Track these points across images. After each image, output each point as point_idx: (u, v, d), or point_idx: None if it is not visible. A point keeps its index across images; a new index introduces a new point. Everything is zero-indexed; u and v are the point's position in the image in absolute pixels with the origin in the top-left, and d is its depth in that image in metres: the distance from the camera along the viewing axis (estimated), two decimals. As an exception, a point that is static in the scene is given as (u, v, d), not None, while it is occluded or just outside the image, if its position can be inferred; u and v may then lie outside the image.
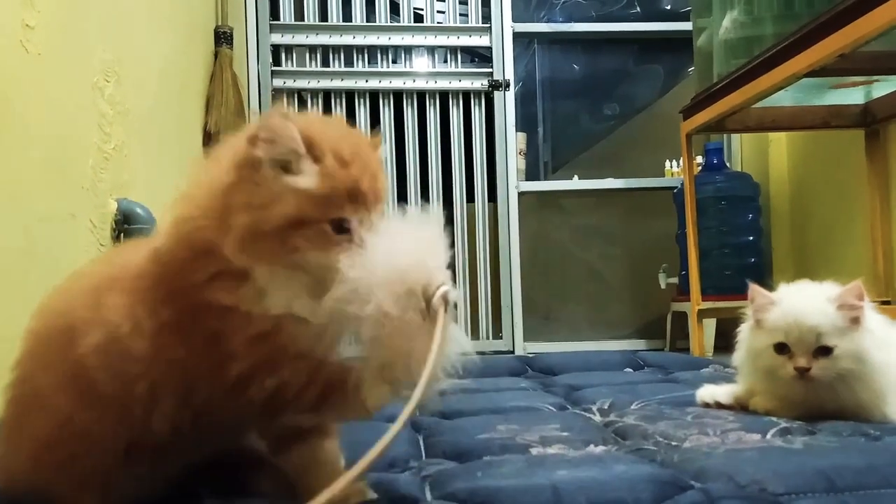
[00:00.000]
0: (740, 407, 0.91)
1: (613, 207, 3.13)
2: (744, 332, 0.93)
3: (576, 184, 3.07)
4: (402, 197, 2.87)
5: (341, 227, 0.56)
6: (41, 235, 1.19)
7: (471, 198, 2.94)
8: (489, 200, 2.95)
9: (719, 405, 0.91)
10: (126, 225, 1.45)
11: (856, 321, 0.84)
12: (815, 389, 0.85)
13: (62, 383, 0.59)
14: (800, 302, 0.86)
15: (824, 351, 0.83)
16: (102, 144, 1.41)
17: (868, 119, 2.33)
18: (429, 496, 0.63)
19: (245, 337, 0.55)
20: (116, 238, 1.45)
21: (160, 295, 0.58)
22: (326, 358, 0.57)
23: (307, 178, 0.55)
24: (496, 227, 2.94)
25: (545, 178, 3.31)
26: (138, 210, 1.48)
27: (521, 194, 2.96)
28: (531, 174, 3.18)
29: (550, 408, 0.90)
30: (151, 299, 0.58)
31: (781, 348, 0.85)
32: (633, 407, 0.89)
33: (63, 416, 0.58)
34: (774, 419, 0.82)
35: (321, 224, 0.55)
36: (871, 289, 2.40)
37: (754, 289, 0.90)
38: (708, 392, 0.93)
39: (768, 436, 0.77)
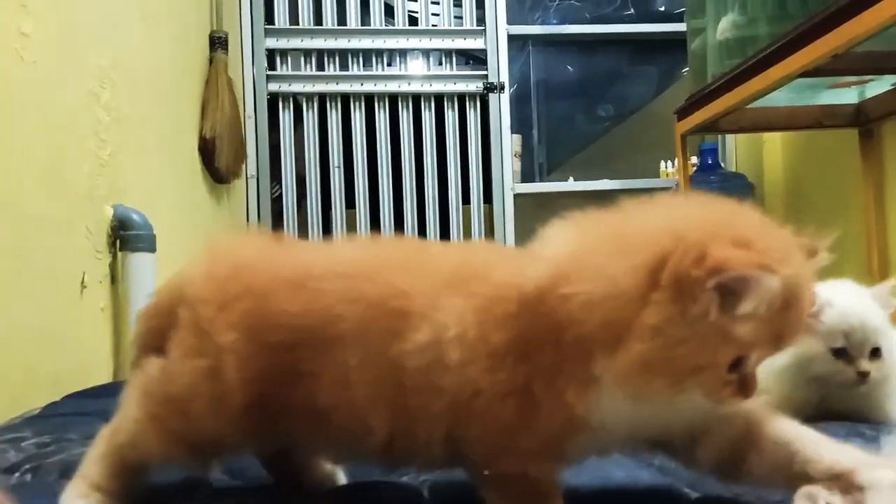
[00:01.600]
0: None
1: (609, 207, 3.13)
2: None
3: (571, 185, 3.07)
4: (397, 199, 2.88)
5: (736, 365, 0.46)
6: (36, 242, 1.19)
7: (466, 199, 2.95)
8: (484, 202, 2.97)
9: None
10: (122, 231, 1.46)
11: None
12: (867, 393, 0.83)
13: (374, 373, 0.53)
14: (856, 303, 0.83)
15: (875, 352, 0.82)
16: (98, 151, 1.41)
17: (862, 118, 2.34)
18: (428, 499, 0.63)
19: (526, 417, 0.48)
20: (112, 244, 1.46)
21: (503, 320, 0.50)
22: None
23: (748, 327, 0.44)
24: (492, 228, 2.95)
25: (541, 180, 3.32)
26: (134, 216, 1.48)
27: (516, 196, 2.97)
28: (527, 176, 3.19)
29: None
30: (491, 312, 0.50)
31: (839, 352, 0.83)
32: (630, 409, 0.90)
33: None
34: (771, 421, 0.82)
35: (722, 367, 0.46)
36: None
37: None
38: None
39: (765, 438, 0.78)
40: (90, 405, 1.08)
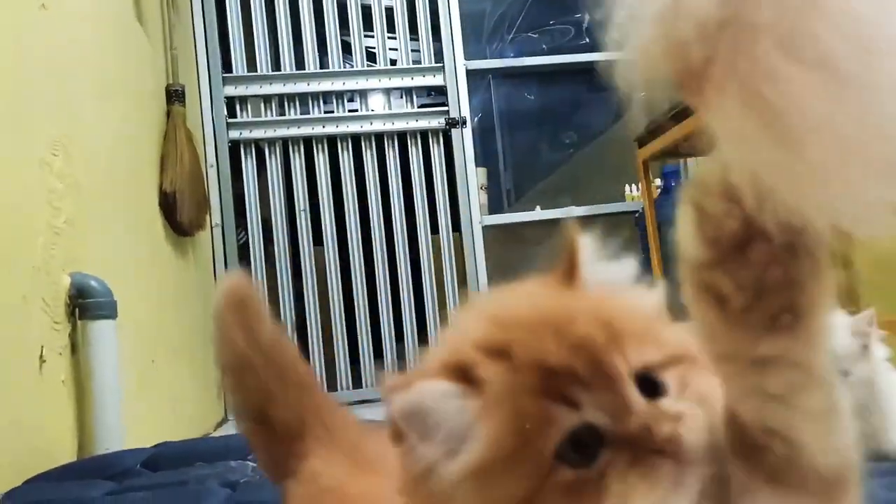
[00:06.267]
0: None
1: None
2: None
3: (538, 214, 3.09)
4: (365, 236, 2.86)
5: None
6: (-9, 321, 1.15)
7: (435, 230, 2.95)
8: (453, 230, 2.97)
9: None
10: (81, 300, 1.41)
11: (866, 348, 0.84)
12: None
13: None
14: None
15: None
16: (53, 220, 1.38)
17: (816, 136, 2.39)
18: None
19: None
20: (71, 314, 1.41)
21: None
22: None
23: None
24: (463, 258, 2.94)
25: (508, 207, 3.33)
26: (93, 283, 1.44)
27: (485, 228, 2.97)
28: (494, 205, 3.20)
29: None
30: None
31: None
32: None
33: None
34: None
35: None
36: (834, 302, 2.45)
37: None
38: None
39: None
40: (53, 491, 1.04)
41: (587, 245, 0.38)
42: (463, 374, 0.32)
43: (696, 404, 0.31)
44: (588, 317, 0.33)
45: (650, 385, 0.32)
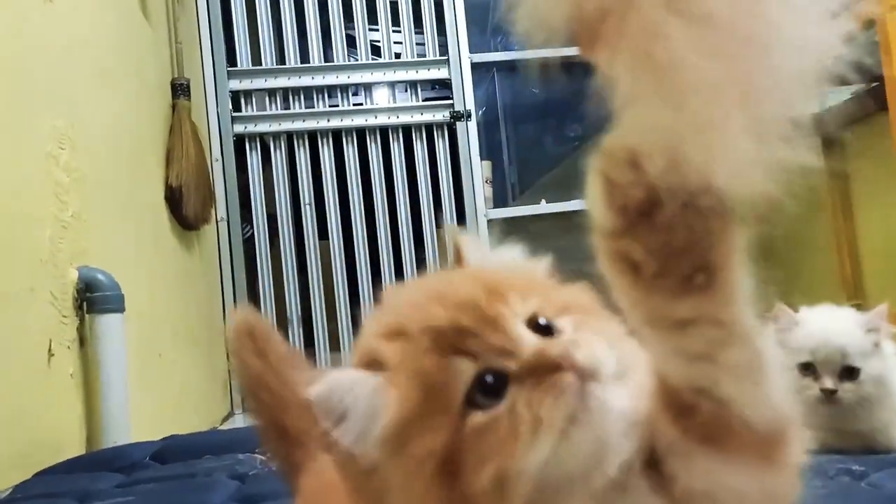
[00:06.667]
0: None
1: (583, 228, 3.14)
2: None
3: (544, 208, 3.08)
4: (371, 229, 2.86)
5: None
6: (-1, 314, 1.15)
7: (440, 225, 2.95)
8: (458, 224, 2.96)
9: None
10: (88, 293, 1.42)
11: (877, 345, 0.84)
12: (840, 414, 0.83)
13: None
14: (827, 323, 0.84)
15: (850, 373, 0.82)
16: (60, 213, 1.38)
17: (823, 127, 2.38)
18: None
19: None
20: (79, 307, 1.42)
21: None
22: None
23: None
24: (468, 255, 2.94)
25: (514, 201, 3.32)
26: (100, 277, 1.44)
27: (490, 222, 2.97)
28: (499, 199, 3.19)
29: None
30: None
31: (806, 368, 0.83)
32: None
33: None
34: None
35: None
36: (839, 293, 2.43)
37: (779, 308, 0.86)
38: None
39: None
40: (62, 484, 1.04)
41: (469, 241, 0.41)
42: (369, 362, 0.34)
43: (592, 336, 0.32)
44: (470, 282, 0.34)
45: (543, 329, 0.32)
